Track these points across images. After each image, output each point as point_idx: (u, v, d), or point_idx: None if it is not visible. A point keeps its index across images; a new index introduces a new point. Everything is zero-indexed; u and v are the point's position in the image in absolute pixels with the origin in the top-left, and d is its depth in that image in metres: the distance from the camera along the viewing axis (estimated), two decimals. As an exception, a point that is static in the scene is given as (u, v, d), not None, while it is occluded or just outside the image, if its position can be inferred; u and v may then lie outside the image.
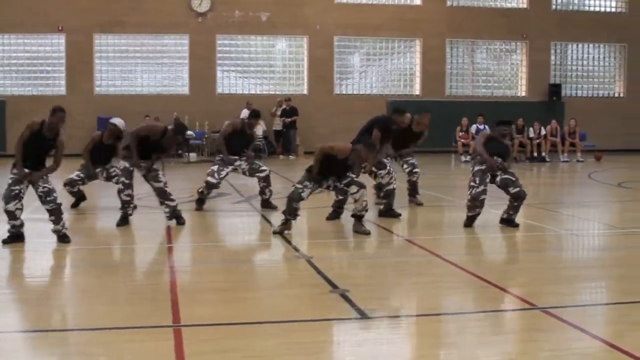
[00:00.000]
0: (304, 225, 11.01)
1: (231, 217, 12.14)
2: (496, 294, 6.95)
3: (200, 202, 12.30)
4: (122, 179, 10.71)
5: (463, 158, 24.47)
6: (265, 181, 12.27)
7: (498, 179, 10.45)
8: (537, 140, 25.52)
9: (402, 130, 12.12)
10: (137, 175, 10.82)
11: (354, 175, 10.08)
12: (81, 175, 12.56)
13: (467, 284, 7.38)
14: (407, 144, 12.63)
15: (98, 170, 12.59)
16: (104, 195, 13.97)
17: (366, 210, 10.10)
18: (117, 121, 12.67)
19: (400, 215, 11.53)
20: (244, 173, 12.39)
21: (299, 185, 9.94)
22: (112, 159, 12.69)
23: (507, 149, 10.78)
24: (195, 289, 7.19)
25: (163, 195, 10.77)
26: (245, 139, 12.38)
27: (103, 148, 12.55)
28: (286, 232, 9.89)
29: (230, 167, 12.26)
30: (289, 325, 5.91)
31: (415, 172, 12.79)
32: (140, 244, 9.97)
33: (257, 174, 12.27)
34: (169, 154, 11.31)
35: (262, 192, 12.37)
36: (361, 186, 10.00)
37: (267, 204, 12.32)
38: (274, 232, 9.94)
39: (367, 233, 9.95)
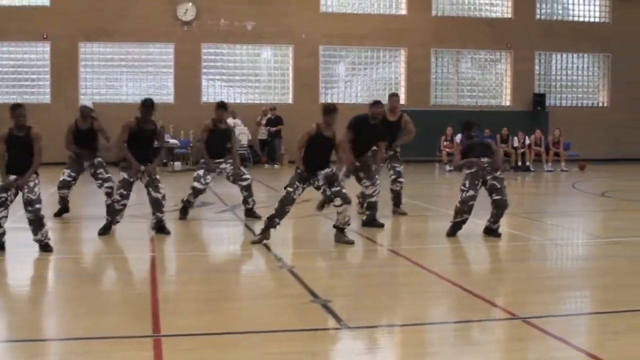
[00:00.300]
0: (287, 234, 11.00)
1: (215, 227, 12.10)
2: (479, 304, 6.95)
3: (184, 210, 12.26)
4: (121, 190, 10.61)
5: (447, 167, 24.50)
6: (247, 190, 12.24)
7: (488, 183, 10.43)
8: (522, 150, 25.61)
9: (381, 124, 11.73)
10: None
11: (341, 187, 9.98)
12: (72, 173, 12.32)
13: (450, 294, 7.38)
14: (392, 139, 12.41)
15: (86, 164, 12.34)
16: (88, 205, 13.92)
17: (348, 224, 10.07)
18: (86, 102, 12.67)
19: (383, 225, 11.51)
20: (227, 177, 12.35)
21: (290, 189, 9.85)
22: (97, 148, 12.38)
23: (486, 145, 10.74)
24: (177, 298, 7.17)
25: (157, 206, 10.73)
26: (222, 135, 12.29)
27: (81, 136, 12.31)
28: (265, 241, 9.84)
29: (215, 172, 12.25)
30: (270, 336, 5.89)
31: (399, 182, 12.71)
32: (123, 253, 9.94)
33: (240, 182, 12.22)
34: (161, 135, 11.16)
35: (245, 202, 12.35)
36: (346, 201, 9.90)
37: (250, 213, 12.29)
38: (253, 242, 9.89)
39: (351, 243, 9.93)
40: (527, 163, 25.43)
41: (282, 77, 28.00)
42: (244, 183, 12.22)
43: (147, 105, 10.70)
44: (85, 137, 12.34)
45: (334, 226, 10.12)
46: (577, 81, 30.47)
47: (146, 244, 10.08)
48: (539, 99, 29.22)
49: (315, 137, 9.92)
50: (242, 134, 25.81)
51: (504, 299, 7.25)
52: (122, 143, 10.60)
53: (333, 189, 9.91)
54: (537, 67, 29.87)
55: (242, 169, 12.45)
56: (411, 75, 28.52)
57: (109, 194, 12.11)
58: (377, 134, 11.57)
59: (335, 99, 27.90)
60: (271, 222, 9.87)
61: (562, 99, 30.28)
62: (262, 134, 26.27)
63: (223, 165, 12.22)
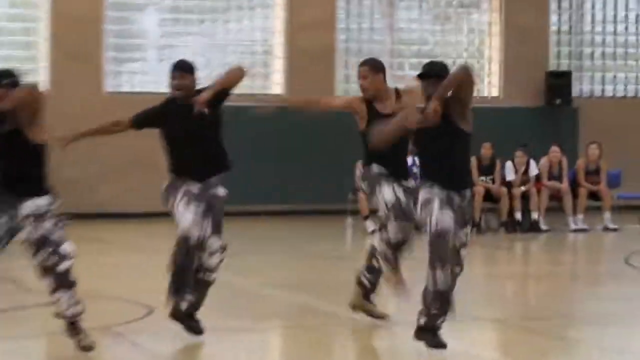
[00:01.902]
0: None
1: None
2: None
3: None
4: None
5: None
6: None
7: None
8: (523, 188, 25.52)
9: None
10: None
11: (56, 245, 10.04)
12: None
13: None
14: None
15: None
16: None
17: (77, 317, 10.17)
18: None
19: None
20: None
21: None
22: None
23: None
24: None
25: None
26: None
27: None
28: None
29: None
30: None
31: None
32: None
33: None
34: None
35: None
36: (64, 284, 10.11)
37: None
38: None
39: (90, 348, 10.32)
40: (535, 216, 25.37)
41: (27, 38, 28.01)
42: None
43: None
44: None
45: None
46: (625, 45, 31.05)
47: None
48: (557, 82, 29.48)
49: None
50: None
51: None
52: None
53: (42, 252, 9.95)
54: (553, 18, 30.27)
55: None
56: (298, 33, 28.43)
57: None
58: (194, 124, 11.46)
59: (138, 86, 28.03)
60: None
61: (601, 82, 30.62)
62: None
63: None
